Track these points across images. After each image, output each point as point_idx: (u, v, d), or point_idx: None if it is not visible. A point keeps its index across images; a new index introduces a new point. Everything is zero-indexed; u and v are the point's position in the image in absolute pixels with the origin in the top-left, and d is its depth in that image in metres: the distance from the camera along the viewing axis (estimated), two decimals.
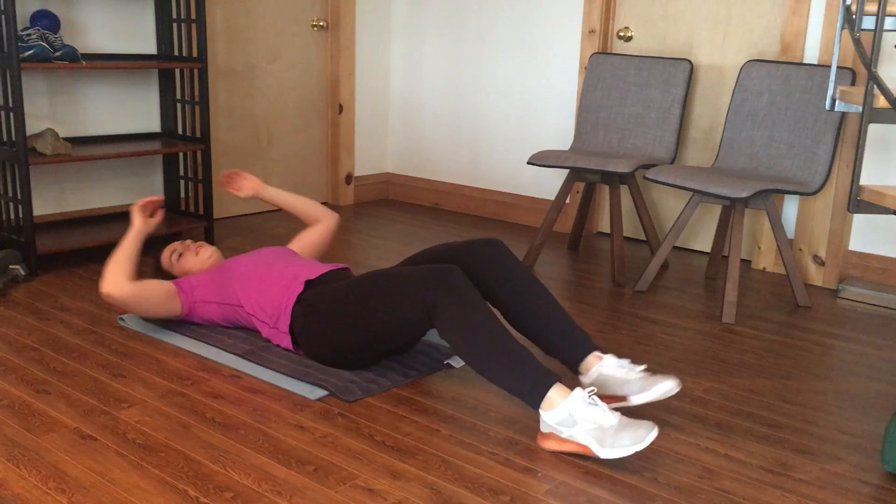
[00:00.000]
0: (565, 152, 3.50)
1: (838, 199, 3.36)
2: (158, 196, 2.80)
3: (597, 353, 2.17)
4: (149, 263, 3.36)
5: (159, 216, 2.66)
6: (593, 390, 1.95)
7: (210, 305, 2.57)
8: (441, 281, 2.08)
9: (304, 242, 2.87)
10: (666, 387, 2.05)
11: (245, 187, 2.88)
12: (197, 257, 2.72)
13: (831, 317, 3.05)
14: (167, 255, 2.75)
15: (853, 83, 3.11)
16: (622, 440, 1.86)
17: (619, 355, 2.56)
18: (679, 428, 2.10)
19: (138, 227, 2.57)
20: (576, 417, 1.90)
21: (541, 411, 1.94)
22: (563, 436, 1.92)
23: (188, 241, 2.77)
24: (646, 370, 2.20)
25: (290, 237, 3.90)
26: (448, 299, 2.05)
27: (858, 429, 2.15)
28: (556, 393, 1.93)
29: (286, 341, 2.41)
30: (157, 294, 2.50)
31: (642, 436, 1.85)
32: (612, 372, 2.12)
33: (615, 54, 3.75)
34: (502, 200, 4.48)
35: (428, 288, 2.08)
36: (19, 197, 3.10)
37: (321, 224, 2.91)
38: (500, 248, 2.36)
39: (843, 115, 3.14)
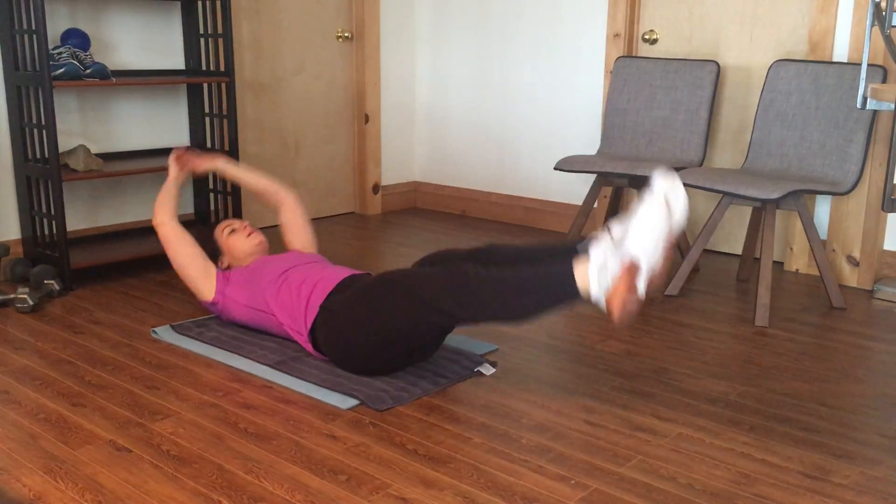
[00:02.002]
0: (592, 157, 3.49)
1: (871, 198, 3.31)
2: (182, 146, 3.11)
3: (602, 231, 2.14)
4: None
5: (192, 164, 2.93)
6: (604, 231, 1.94)
7: (238, 305, 2.62)
8: (457, 284, 2.10)
9: (292, 234, 2.94)
10: (661, 181, 1.95)
11: (199, 164, 2.97)
12: (247, 239, 2.79)
13: (867, 318, 3.00)
14: (221, 228, 2.85)
15: (884, 81, 3.07)
16: (633, 225, 1.85)
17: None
18: (714, 433, 2.08)
19: (174, 175, 2.88)
20: (604, 260, 1.88)
21: (591, 295, 1.93)
22: (611, 287, 1.88)
23: (246, 222, 2.86)
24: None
25: (320, 246, 3.92)
26: (466, 296, 2.08)
27: None
28: (579, 268, 1.94)
29: (310, 348, 2.43)
30: (197, 253, 2.69)
31: (651, 202, 1.84)
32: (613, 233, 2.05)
33: (641, 57, 3.73)
34: (530, 206, 4.47)
35: (444, 292, 2.11)
36: (53, 213, 3.15)
37: (284, 206, 2.98)
38: (498, 247, 2.34)
39: (875, 113, 3.09)
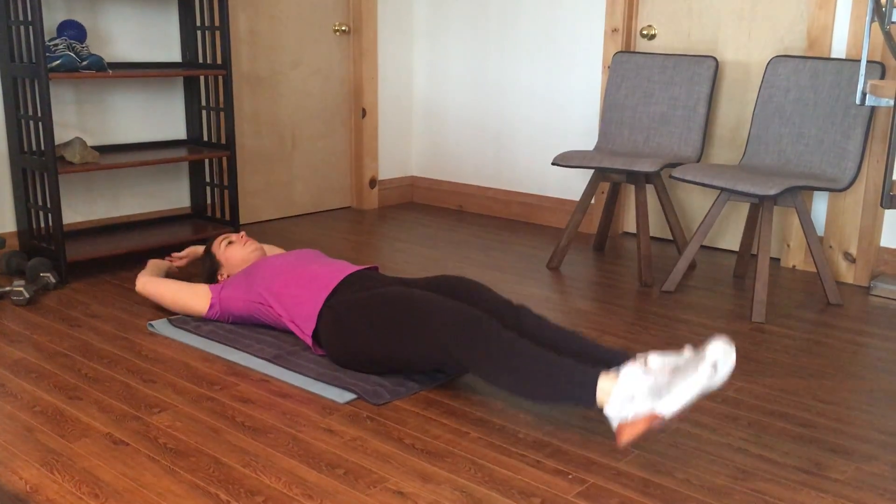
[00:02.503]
0: (590, 152, 3.48)
1: (869, 194, 3.31)
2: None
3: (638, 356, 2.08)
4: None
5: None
6: (645, 358, 1.85)
7: (236, 301, 2.63)
8: (468, 334, 2.03)
9: None
10: (716, 347, 1.84)
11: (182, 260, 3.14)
12: (243, 248, 2.84)
13: (864, 314, 3.00)
14: (219, 241, 2.87)
15: (883, 77, 3.07)
16: (676, 383, 1.75)
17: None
18: (711, 428, 2.08)
19: (170, 265, 3.11)
20: (632, 392, 1.80)
21: (605, 410, 1.85)
22: (629, 419, 1.81)
23: (242, 233, 2.90)
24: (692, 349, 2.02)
25: (317, 240, 3.91)
26: (475, 350, 2.01)
27: (894, 427, 2.11)
28: (604, 381, 1.85)
29: (310, 342, 2.42)
30: (180, 286, 2.77)
31: (699, 369, 1.74)
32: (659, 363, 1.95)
33: (639, 53, 3.72)
34: (527, 202, 4.47)
35: (453, 337, 2.05)
36: (49, 205, 3.14)
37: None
38: (529, 315, 2.26)
39: (873, 109, 3.09)
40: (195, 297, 2.72)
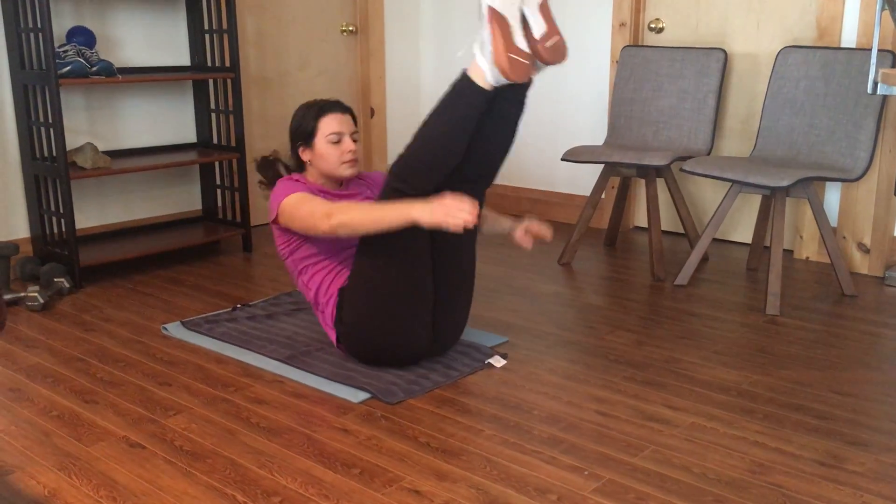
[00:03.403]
0: (599, 147, 3.47)
1: (882, 184, 3.28)
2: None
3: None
4: (200, 273, 3.41)
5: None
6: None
7: (289, 246, 2.43)
8: (397, 175, 2.21)
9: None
10: None
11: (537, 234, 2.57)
12: (340, 166, 2.42)
13: (879, 305, 2.98)
14: (346, 151, 2.42)
15: (894, 66, 3.04)
16: None
17: None
18: (727, 422, 2.07)
19: (427, 222, 2.08)
20: (479, 42, 2.12)
21: (488, 80, 2.12)
22: (491, 48, 2.07)
23: (356, 146, 2.45)
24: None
25: None
26: (413, 164, 2.20)
27: None
28: (471, 69, 2.15)
29: (332, 336, 2.41)
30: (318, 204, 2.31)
31: None
32: None
33: (647, 46, 3.71)
34: (537, 198, 4.46)
35: (393, 184, 2.20)
36: (61, 211, 3.16)
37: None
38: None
39: (885, 98, 3.07)
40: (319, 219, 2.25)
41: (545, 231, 2.45)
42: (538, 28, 2.12)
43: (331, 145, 2.41)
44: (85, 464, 1.88)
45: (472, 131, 2.19)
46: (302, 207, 2.26)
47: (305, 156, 2.47)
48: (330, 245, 2.42)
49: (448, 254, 2.29)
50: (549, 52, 2.11)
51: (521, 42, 2.10)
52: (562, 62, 2.15)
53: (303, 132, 2.44)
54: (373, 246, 2.23)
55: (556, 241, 3.92)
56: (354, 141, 2.44)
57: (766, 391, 2.26)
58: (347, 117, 2.46)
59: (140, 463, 1.88)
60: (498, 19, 2.06)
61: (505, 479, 1.81)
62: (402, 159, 2.21)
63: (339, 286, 2.38)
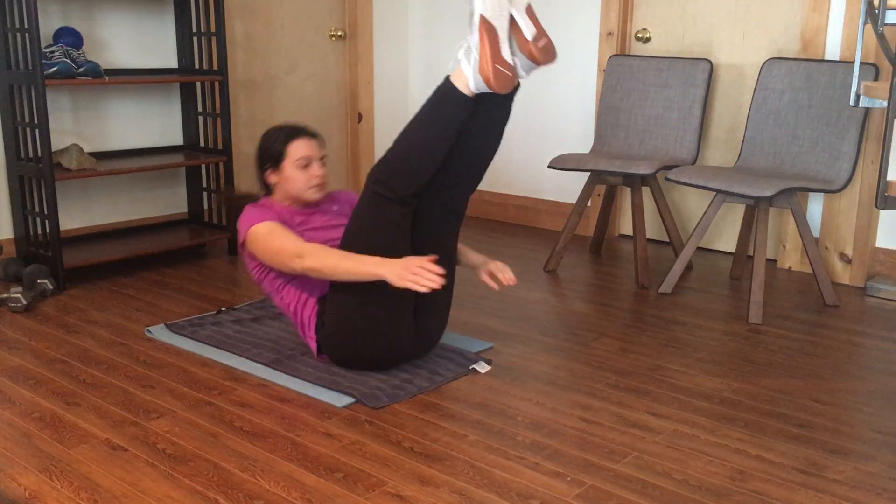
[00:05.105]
0: (586, 155, 3.49)
1: (864, 195, 3.32)
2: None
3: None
4: (185, 276, 3.40)
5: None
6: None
7: (263, 270, 2.46)
8: (377, 179, 2.21)
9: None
10: None
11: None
12: (307, 190, 2.46)
13: (860, 315, 3.01)
14: (314, 176, 2.46)
15: (877, 78, 3.08)
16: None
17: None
18: (709, 429, 2.09)
19: (389, 279, 2.10)
20: (466, 48, 2.11)
21: (470, 87, 2.13)
22: (478, 55, 2.08)
23: (325, 171, 2.49)
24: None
25: None
26: (391, 162, 2.20)
27: (891, 427, 2.12)
28: (455, 75, 2.15)
29: (315, 347, 2.41)
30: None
31: None
32: None
33: (634, 56, 3.74)
34: (523, 205, 4.47)
35: (374, 188, 2.20)
36: (46, 212, 3.14)
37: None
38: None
39: (867, 110, 3.10)
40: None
41: (509, 277, 2.41)
42: (528, 30, 2.13)
43: (299, 170, 2.44)
44: (66, 466, 1.87)
45: (454, 137, 2.20)
46: (272, 241, 2.29)
47: (272, 178, 2.49)
48: None
49: (429, 237, 2.31)
50: (541, 52, 2.13)
51: (506, 53, 2.12)
52: (552, 62, 2.18)
53: (271, 155, 2.47)
54: (355, 249, 2.23)
55: (542, 249, 3.93)
56: (322, 165, 2.48)
57: (748, 399, 2.27)
58: (315, 142, 2.50)
59: (122, 465, 1.88)
60: (488, 28, 2.07)
61: (488, 484, 1.82)
62: (383, 164, 2.22)
63: (319, 295, 2.39)
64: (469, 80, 2.13)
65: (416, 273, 2.05)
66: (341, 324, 2.30)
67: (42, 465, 1.88)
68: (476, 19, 2.09)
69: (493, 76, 2.07)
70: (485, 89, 2.14)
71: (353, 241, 2.25)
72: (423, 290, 2.05)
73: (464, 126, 2.23)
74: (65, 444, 1.97)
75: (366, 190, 2.24)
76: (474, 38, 2.10)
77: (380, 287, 2.20)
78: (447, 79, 2.18)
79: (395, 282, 2.07)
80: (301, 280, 2.42)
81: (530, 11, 2.14)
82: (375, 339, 2.29)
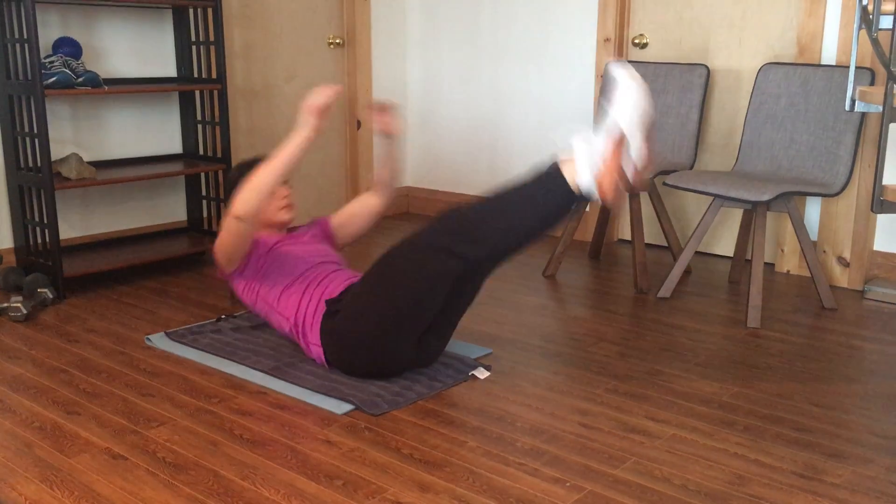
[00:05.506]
0: None
1: (861, 199, 3.33)
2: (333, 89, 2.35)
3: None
4: (185, 284, 3.41)
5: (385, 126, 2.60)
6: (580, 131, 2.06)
7: (252, 291, 2.54)
8: (449, 226, 2.17)
9: (346, 213, 2.85)
10: (617, 72, 2.01)
11: (393, 127, 2.64)
12: (278, 212, 2.63)
13: (858, 318, 3.02)
14: (281, 198, 2.61)
15: (872, 83, 3.09)
16: (615, 106, 1.94)
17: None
18: (707, 434, 2.09)
19: (310, 134, 2.28)
20: (588, 145, 1.99)
21: (580, 182, 2.01)
22: (601, 167, 1.98)
23: (289, 190, 2.66)
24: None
25: None
26: (464, 233, 2.14)
27: (890, 431, 2.12)
28: (564, 165, 2.05)
29: (317, 353, 2.42)
30: (247, 250, 2.49)
31: (623, 83, 1.94)
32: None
33: (631, 62, 3.75)
34: None
35: (443, 237, 2.16)
36: (45, 221, 3.15)
37: (372, 200, 2.86)
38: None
39: (864, 115, 3.11)
40: (242, 251, 2.46)
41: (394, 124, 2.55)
42: (641, 158, 2.02)
43: (271, 198, 2.55)
44: (67, 475, 1.88)
45: (548, 225, 2.12)
46: (220, 235, 2.42)
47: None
48: (288, 271, 2.50)
49: (469, 285, 2.31)
50: (641, 183, 2.05)
51: (628, 168, 2.01)
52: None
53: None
54: (403, 264, 2.20)
55: (541, 254, 3.94)
56: (288, 187, 2.60)
57: (747, 403, 2.28)
58: None
59: (122, 474, 1.88)
60: (622, 143, 1.96)
61: (487, 490, 1.82)
62: (463, 219, 2.13)
63: (322, 297, 2.40)
64: (581, 181, 2.00)
65: (315, 111, 2.25)
66: (350, 330, 2.31)
67: (42, 474, 1.88)
68: (614, 127, 1.96)
69: (612, 194, 1.96)
70: (594, 197, 2.05)
71: (387, 275, 2.23)
72: (327, 98, 2.22)
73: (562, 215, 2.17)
74: (65, 453, 1.98)
75: (428, 234, 2.18)
76: (601, 141, 1.97)
77: (410, 305, 2.21)
78: (556, 165, 2.07)
79: (313, 132, 2.23)
80: (294, 290, 2.46)
81: (652, 135, 2.06)
82: (380, 351, 2.31)
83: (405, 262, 2.22)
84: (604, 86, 2.03)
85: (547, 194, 2.08)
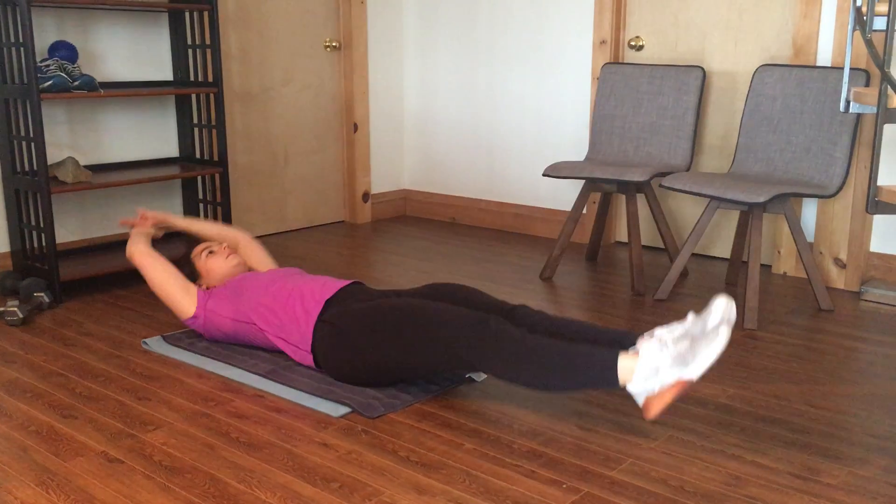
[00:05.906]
0: (580, 163, 3.51)
1: (857, 200, 3.34)
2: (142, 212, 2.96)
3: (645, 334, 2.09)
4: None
5: (150, 221, 2.94)
6: (656, 332, 1.95)
7: (223, 318, 2.59)
8: (478, 337, 2.08)
9: (255, 263, 2.92)
10: (721, 305, 1.93)
11: (148, 220, 2.93)
12: (226, 260, 2.77)
13: (855, 319, 3.02)
14: (199, 250, 2.82)
15: (867, 84, 3.10)
16: (699, 349, 1.88)
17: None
18: (704, 435, 2.09)
19: (137, 230, 2.87)
20: (656, 365, 1.90)
21: (627, 387, 1.95)
22: (656, 391, 1.93)
23: (224, 245, 2.84)
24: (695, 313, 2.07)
25: (310, 255, 3.92)
26: (487, 351, 2.06)
27: (886, 431, 2.12)
28: (625, 360, 1.94)
29: (308, 360, 2.42)
30: (173, 273, 2.68)
31: (716, 331, 1.88)
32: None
33: (627, 64, 3.75)
34: (519, 213, 4.49)
35: (463, 341, 2.09)
36: (42, 225, 3.15)
37: (242, 243, 2.97)
38: (530, 311, 2.31)
39: (859, 116, 3.12)
40: (184, 297, 2.64)
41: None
42: (665, 401, 1.96)
43: (209, 257, 2.77)
44: (63, 479, 1.87)
45: (576, 388, 2.07)
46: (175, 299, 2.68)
47: (205, 283, 2.79)
48: (260, 285, 2.57)
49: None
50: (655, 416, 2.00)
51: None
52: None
53: (188, 275, 2.79)
54: (417, 335, 2.18)
55: (538, 256, 3.95)
56: (219, 244, 2.84)
57: (743, 404, 2.28)
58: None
59: (119, 478, 1.88)
60: (684, 387, 1.93)
61: (484, 492, 1.82)
62: (499, 345, 2.05)
63: (322, 298, 2.41)
64: (632, 389, 1.95)
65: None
66: (345, 363, 2.33)
67: (39, 478, 1.88)
68: (688, 374, 1.91)
69: (655, 414, 1.95)
70: (636, 401, 2.06)
71: (398, 333, 2.21)
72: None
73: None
74: (61, 457, 1.98)
75: (457, 330, 2.11)
76: (670, 375, 1.91)
77: (399, 365, 2.24)
78: (615, 355, 1.98)
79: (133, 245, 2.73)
80: (265, 307, 2.50)
81: (684, 387, 1.96)
82: (373, 382, 2.33)
83: (418, 340, 2.18)
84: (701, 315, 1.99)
85: (588, 378, 2.00)
